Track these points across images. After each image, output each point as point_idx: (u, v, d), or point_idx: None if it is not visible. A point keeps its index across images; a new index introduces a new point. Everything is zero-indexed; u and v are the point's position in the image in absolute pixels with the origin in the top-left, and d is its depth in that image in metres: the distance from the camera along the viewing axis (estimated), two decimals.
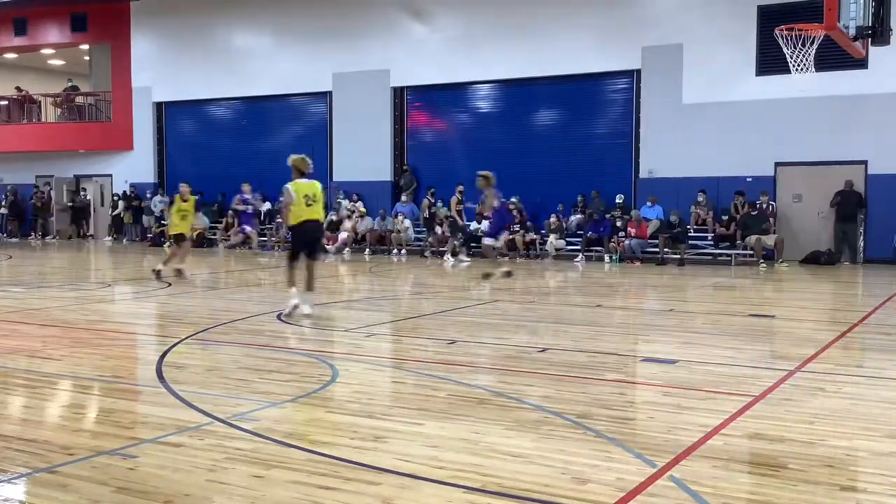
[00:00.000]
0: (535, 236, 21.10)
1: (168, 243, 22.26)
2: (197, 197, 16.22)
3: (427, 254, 21.49)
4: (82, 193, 29.56)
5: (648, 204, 20.24)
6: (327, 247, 22.92)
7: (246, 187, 22.42)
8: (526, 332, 9.57)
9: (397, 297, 13.60)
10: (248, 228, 22.73)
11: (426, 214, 22.09)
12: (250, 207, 22.72)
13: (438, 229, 21.68)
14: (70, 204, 29.49)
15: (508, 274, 14.88)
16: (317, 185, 10.69)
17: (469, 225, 21.49)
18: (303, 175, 10.62)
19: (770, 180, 19.75)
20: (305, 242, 10.73)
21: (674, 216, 19.40)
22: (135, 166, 28.12)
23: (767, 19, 18.54)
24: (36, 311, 10.66)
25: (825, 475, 4.56)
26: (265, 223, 24.35)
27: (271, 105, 26.01)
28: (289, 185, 10.56)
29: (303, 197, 10.46)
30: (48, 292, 13.65)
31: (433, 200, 22.14)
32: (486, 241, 15.49)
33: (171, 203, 26.06)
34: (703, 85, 19.98)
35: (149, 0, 26.95)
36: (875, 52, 14.72)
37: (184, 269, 15.16)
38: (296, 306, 10.36)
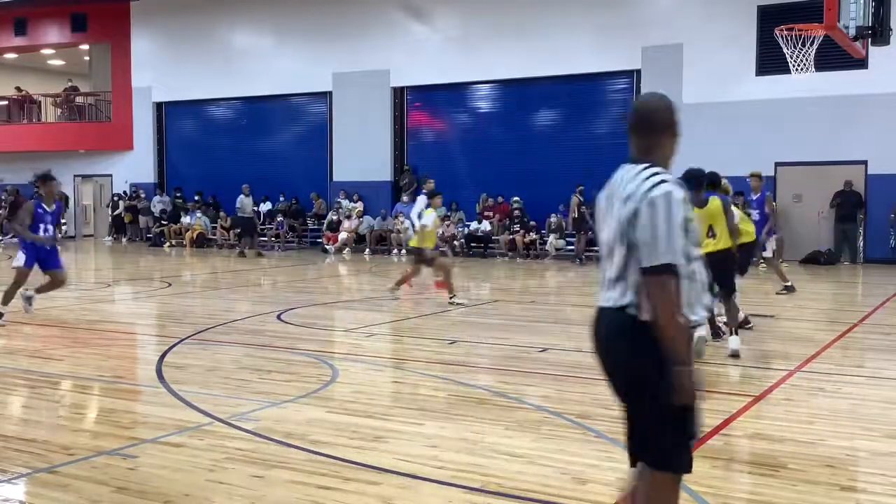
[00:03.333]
0: (534, 236, 21.09)
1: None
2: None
3: (577, 261, 19.53)
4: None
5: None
6: (326, 247, 22.93)
7: None
8: (526, 332, 9.57)
9: (397, 297, 13.60)
10: None
11: (575, 215, 19.91)
12: None
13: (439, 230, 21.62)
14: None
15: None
16: None
17: None
18: None
19: (770, 180, 19.73)
20: None
21: None
22: (135, 166, 28.10)
23: (767, 19, 18.52)
24: (36, 311, 10.66)
25: (825, 475, 4.56)
26: (265, 223, 24.34)
27: (271, 105, 25.99)
28: None
29: None
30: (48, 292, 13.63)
31: (582, 199, 19.86)
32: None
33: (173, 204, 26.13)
34: (703, 85, 19.96)
35: (149, 0, 26.94)
36: (875, 52, 14.70)
37: None
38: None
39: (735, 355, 7.78)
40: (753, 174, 13.92)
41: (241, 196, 22.17)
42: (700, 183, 8.18)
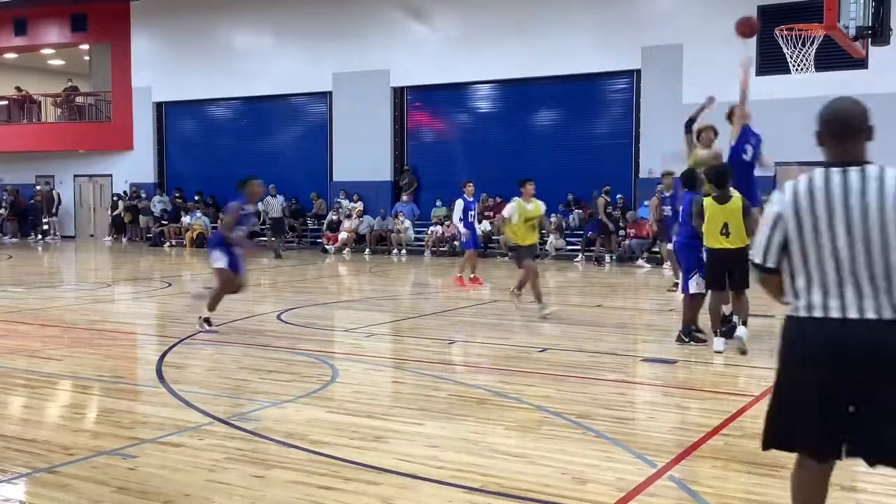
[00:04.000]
0: None
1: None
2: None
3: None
4: (41, 189, 29.06)
5: (645, 203, 20.21)
6: (326, 247, 22.93)
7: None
8: (526, 332, 9.57)
9: (397, 297, 13.60)
10: None
11: (603, 217, 19.77)
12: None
13: (438, 228, 21.63)
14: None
15: None
16: None
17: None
18: None
19: (770, 180, 19.72)
20: None
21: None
22: (135, 166, 28.09)
23: (767, 19, 18.47)
24: (36, 311, 10.66)
25: None
26: (264, 224, 24.34)
27: (271, 105, 25.99)
28: None
29: None
30: (48, 292, 13.64)
31: (608, 200, 19.82)
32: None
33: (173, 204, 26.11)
34: (703, 85, 19.85)
35: (149, 0, 26.94)
36: (875, 52, 14.67)
37: None
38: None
39: (743, 350, 7.81)
40: (667, 173, 14.02)
41: (268, 197, 22.15)
42: (727, 179, 8.12)
